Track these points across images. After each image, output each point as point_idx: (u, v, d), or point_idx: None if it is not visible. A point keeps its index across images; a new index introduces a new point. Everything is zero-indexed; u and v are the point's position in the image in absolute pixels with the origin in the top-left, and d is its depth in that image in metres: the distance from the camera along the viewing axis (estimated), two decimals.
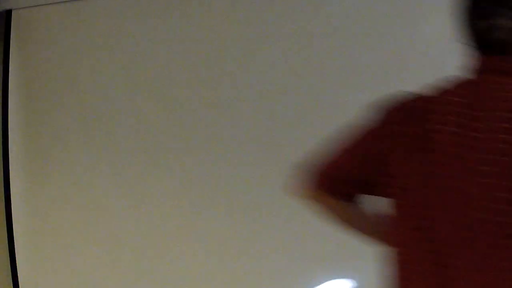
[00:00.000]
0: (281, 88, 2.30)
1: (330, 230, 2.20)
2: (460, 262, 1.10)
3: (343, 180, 1.27)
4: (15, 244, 2.51)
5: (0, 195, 2.56)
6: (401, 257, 1.19)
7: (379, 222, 1.29)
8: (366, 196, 1.30)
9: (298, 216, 2.25)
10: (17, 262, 2.50)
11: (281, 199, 2.26)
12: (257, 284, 2.30)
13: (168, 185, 2.40)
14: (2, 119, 2.56)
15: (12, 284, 2.52)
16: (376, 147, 1.23)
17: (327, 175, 1.28)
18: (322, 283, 2.24)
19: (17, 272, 2.51)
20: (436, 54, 2.14)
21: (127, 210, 2.44)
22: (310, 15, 2.27)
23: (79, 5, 2.52)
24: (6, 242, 2.53)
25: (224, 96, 2.36)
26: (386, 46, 2.20)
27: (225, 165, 2.34)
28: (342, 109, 2.23)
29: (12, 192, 2.53)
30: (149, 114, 2.43)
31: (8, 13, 2.60)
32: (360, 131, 1.26)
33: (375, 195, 1.27)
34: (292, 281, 2.26)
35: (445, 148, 1.14)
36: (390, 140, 1.20)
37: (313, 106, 2.26)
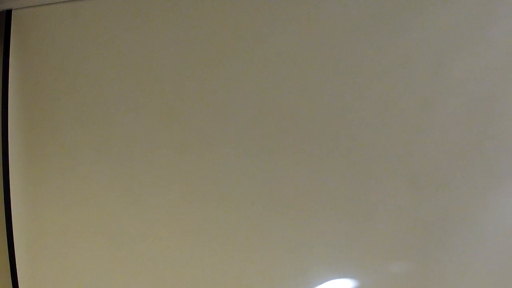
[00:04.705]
0: (282, 88, 2.30)
1: (331, 229, 2.23)
2: None
3: None
4: (14, 243, 2.51)
5: None
6: None
7: None
8: None
9: (299, 215, 2.26)
10: (16, 262, 2.51)
11: (281, 198, 2.28)
12: (257, 284, 2.29)
13: (169, 187, 2.40)
14: (2, 119, 2.56)
15: (11, 285, 2.52)
16: None
17: None
18: (323, 283, 2.24)
19: (16, 272, 2.51)
20: (437, 55, 2.15)
21: (127, 210, 2.44)
22: (310, 15, 2.27)
23: (79, 5, 2.52)
24: (6, 242, 2.53)
25: (224, 96, 2.36)
26: (387, 46, 2.20)
27: (225, 164, 2.34)
28: (343, 109, 2.24)
29: (11, 192, 2.53)
30: (149, 114, 2.43)
31: (8, 13, 2.61)
32: None
33: None
34: (293, 280, 2.26)
35: None
36: None
37: (313, 106, 2.26)
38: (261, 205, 2.30)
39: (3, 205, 2.54)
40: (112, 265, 2.45)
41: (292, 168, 2.26)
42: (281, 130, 2.28)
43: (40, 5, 2.57)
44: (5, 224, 2.53)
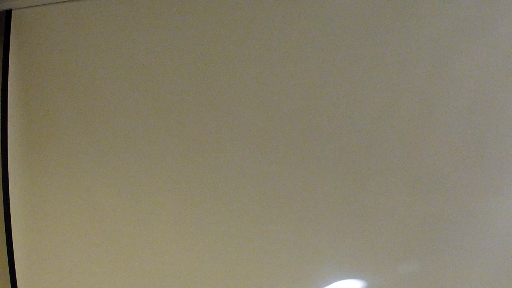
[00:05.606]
0: (282, 90, 2.30)
1: (332, 230, 2.22)
2: None
3: None
4: (13, 243, 2.51)
5: None
6: None
7: None
8: None
9: (301, 216, 2.26)
10: (15, 262, 2.51)
11: (284, 200, 2.28)
12: (258, 285, 2.29)
13: (168, 186, 2.40)
14: (2, 119, 2.56)
15: (10, 284, 2.52)
16: None
17: None
18: (325, 284, 2.24)
19: (15, 271, 2.51)
20: (437, 56, 2.14)
21: (126, 210, 2.44)
22: (310, 15, 2.27)
23: (79, 5, 2.52)
24: (5, 242, 2.53)
25: (225, 97, 2.36)
26: (387, 47, 2.19)
27: (226, 165, 2.34)
28: (344, 110, 2.23)
29: (10, 191, 2.53)
30: (149, 114, 2.43)
31: (8, 13, 2.61)
32: None
33: None
34: (294, 281, 2.26)
35: None
36: None
37: (314, 107, 2.26)
38: (263, 206, 2.30)
39: (2, 205, 2.54)
40: (112, 266, 2.45)
41: (294, 169, 2.26)
42: (282, 131, 2.28)
43: (40, 5, 2.57)
44: (4, 225, 2.54)
